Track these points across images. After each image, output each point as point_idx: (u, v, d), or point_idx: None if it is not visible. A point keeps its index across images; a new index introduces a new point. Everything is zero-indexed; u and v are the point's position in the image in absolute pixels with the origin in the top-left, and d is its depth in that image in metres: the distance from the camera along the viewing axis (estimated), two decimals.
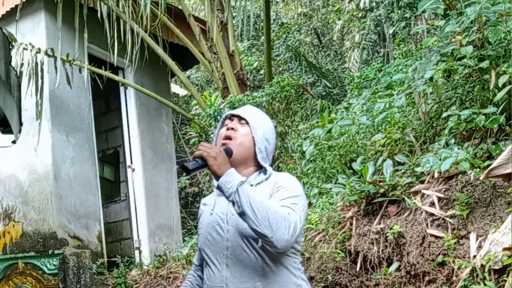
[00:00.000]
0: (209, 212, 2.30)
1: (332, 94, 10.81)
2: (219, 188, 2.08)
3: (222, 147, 2.24)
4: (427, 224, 3.36)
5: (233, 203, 2.07)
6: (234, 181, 2.07)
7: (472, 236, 3.13)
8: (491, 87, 3.53)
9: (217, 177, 2.10)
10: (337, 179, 4.32)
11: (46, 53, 5.74)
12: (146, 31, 6.09)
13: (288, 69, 11.47)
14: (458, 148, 3.45)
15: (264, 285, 2.16)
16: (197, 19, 7.29)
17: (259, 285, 2.17)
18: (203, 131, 7.09)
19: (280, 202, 2.13)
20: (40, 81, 5.60)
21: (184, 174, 1.96)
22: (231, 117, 2.35)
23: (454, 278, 3.08)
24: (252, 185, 2.23)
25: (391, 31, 11.15)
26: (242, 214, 2.06)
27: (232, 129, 2.29)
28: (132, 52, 5.83)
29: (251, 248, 2.18)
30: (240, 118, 2.32)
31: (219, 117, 6.05)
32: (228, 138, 2.26)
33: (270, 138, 2.37)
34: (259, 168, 2.31)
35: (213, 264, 2.25)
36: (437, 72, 3.80)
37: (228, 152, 2.22)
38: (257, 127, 2.31)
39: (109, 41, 5.67)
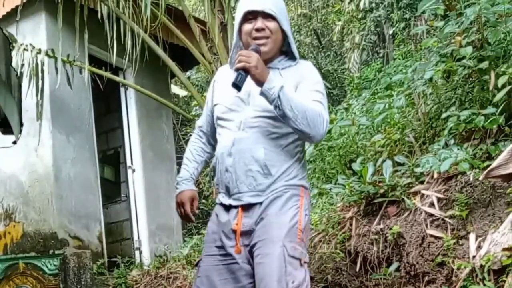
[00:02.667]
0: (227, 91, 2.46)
1: (332, 94, 10.83)
2: (262, 94, 2.29)
3: (253, 46, 2.38)
4: (426, 225, 3.36)
5: (275, 106, 2.28)
6: (275, 87, 2.27)
7: (472, 236, 3.14)
8: (491, 87, 3.54)
9: (259, 84, 2.29)
10: (337, 180, 4.33)
11: (46, 54, 5.75)
12: (146, 32, 6.09)
13: None
14: (458, 149, 3.46)
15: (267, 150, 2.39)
16: (197, 20, 7.29)
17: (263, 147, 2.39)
18: None
19: (310, 95, 2.37)
20: (40, 81, 5.61)
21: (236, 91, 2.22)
22: (253, 12, 2.41)
23: (453, 278, 3.09)
24: (278, 69, 2.45)
25: (390, 32, 11.17)
26: (283, 116, 2.29)
27: (263, 29, 2.39)
28: (132, 53, 5.84)
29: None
30: (264, 14, 2.39)
31: None
32: (264, 37, 2.39)
33: (288, 19, 2.51)
34: (282, 52, 2.48)
35: (228, 129, 2.47)
36: (437, 73, 3.81)
37: (259, 52, 2.36)
38: (282, 18, 2.42)
39: (109, 42, 5.67)
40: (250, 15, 2.42)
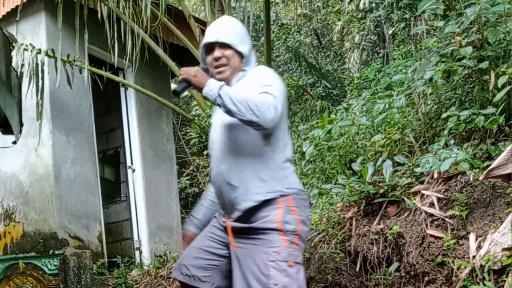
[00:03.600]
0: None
1: (332, 94, 10.82)
2: (205, 98, 2.48)
3: (202, 65, 2.66)
4: (426, 225, 3.36)
5: (219, 106, 2.43)
6: (214, 88, 2.43)
7: (472, 236, 3.14)
8: (491, 87, 3.53)
9: (201, 90, 2.47)
10: (337, 180, 4.33)
11: (46, 54, 5.75)
12: (146, 32, 6.10)
13: (288, 70, 11.47)
14: (458, 149, 3.46)
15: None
16: (197, 20, 7.30)
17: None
18: (203, 131, 7.10)
19: (257, 89, 2.48)
20: (40, 81, 5.61)
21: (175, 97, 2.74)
22: (210, 45, 2.66)
23: (453, 278, 3.09)
24: (233, 84, 2.63)
25: (390, 32, 11.16)
26: (229, 112, 2.41)
27: (220, 57, 2.63)
28: (132, 53, 5.84)
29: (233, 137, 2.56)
30: (220, 44, 2.63)
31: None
32: (222, 65, 2.63)
33: (247, 38, 2.75)
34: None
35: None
36: (437, 73, 3.81)
37: (206, 70, 2.64)
38: (237, 42, 2.65)
39: (109, 42, 5.68)
40: (209, 47, 2.67)
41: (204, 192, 2.97)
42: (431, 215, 3.39)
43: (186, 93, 2.61)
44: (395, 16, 10.47)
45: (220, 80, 2.54)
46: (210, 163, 2.71)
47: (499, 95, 3.42)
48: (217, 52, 2.63)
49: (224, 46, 2.63)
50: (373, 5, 11.29)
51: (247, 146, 2.52)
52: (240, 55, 2.65)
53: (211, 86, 2.44)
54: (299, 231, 2.46)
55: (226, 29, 2.69)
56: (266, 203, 2.46)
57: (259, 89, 2.48)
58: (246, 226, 2.47)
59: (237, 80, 2.66)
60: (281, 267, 2.37)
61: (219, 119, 2.65)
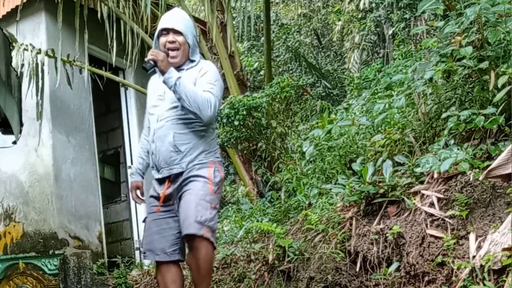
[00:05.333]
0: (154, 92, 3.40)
1: (332, 94, 10.82)
2: (164, 82, 3.15)
3: (164, 50, 3.23)
4: (426, 225, 3.36)
5: (173, 92, 3.13)
6: (173, 77, 3.12)
7: (472, 236, 3.14)
8: (491, 87, 3.53)
9: (163, 73, 3.15)
10: (337, 180, 4.33)
11: (46, 54, 5.75)
12: (146, 32, 6.10)
13: (288, 70, 11.47)
14: (458, 149, 3.46)
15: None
16: (197, 19, 7.30)
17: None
18: None
19: (203, 86, 3.19)
20: (40, 81, 5.61)
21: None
22: (166, 29, 3.27)
23: (453, 278, 3.08)
24: (184, 69, 3.27)
25: (390, 32, 11.16)
26: (179, 99, 3.14)
27: (174, 41, 3.25)
28: (132, 52, 5.85)
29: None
30: (175, 31, 3.26)
31: (219, 118, 6.06)
32: (175, 49, 3.25)
33: (194, 32, 3.40)
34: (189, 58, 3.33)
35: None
36: (437, 73, 3.81)
37: (167, 54, 3.21)
38: (188, 33, 3.29)
39: (109, 42, 5.68)
40: (165, 31, 3.29)
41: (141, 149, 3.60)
42: (431, 215, 3.39)
43: (151, 71, 3.28)
44: (395, 16, 10.47)
45: (172, 63, 3.21)
46: (151, 124, 3.34)
47: (499, 95, 3.41)
48: (171, 37, 3.25)
49: (178, 33, 3.25)
50: (373, 5, 11.29)
51: (194, 124, 3.24)
52: (188, 45, 3.28)
53: (171, 74, 3.13)
54: (221, 184, 3.30)
55: (181, 20, 3.32)
56: (203, 164, 3.25)
57: (205, 86, 3.20)
58: (183, 178, 3.22)
59: (187, 67, 3.30)
60: (206, 206, 3.15)
61: (166, 92, 3.25)
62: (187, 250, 3.29)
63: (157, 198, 3.34)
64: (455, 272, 3.08)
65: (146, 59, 3.18)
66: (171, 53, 3.26)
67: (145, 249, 3.34)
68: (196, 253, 3.10)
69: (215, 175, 3.26)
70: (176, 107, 3.23)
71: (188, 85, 3.15)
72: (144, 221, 3.49)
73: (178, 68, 3.26)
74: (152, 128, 3.33)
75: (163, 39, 3.28)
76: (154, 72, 3.29)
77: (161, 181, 3.33)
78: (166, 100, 3.28)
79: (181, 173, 3.23)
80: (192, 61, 3.34)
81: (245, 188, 6.74)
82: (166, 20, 3.32)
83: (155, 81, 3.42)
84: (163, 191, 3.29)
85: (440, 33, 4.09)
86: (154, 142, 3.29)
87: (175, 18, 3.32)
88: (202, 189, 3.17)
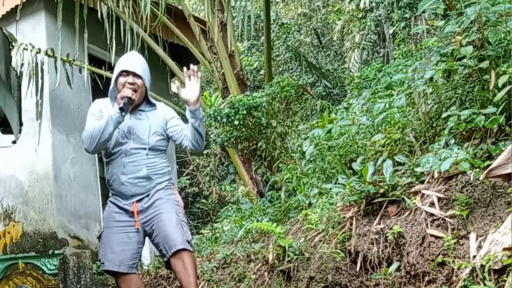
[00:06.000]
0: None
1: (332, 94, 10.82)
2: (193, 113, 3.44)
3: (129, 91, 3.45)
4: (427, 224, 3.36)
5: (198, 124, 3.47)
6: (200, 110, 3.50)
7: (472, 236, 3.13)
8: (491, 87, 3.53)
9: (125, 111, 3.40)
10: (337, 179, 4.32)
11: (46, 53, 5.75)
12: (146, 31, 6.10)
13: (288, 69, 11.47)
14: (458, 148, 3.45)
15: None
16: (197, 19, 7.30)
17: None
18: None
19: (183, 125, 3.57)
20: (40, 81, 5.61)
21: (123, 114, 3.48)
22: (127, 71, 3.48)
23: (454, 278, 3.08)
24: (145, 111, 3.58)
25: (391, 31, 11.16)
26: (196, 130, 3.48)
27: (133, 83, 3.47)
28: None
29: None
30: (134, 74, 3.48)
31: (219, 117, 6.06)
32: (133, 90, 3.46)
33: (150, 77, 3.62)
34: (146, 100, 3.60)
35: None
36: (437, 72, 3.80)
37: (131, 99, 3.47)
38: (145, 77, 3.54)
39: (109, 41, 5.67)
40: (125, 72, 3.49)
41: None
42: (432, 214, 3.38)
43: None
44: (396, 15, 10.47)
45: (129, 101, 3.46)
46: (113, 162, 3.55)
47: (499, 95, 3.41)
48: (131, 79, 3.48)
49: (137, 76, 3.49)
50: (373, 4, 11.29)
51: (161, 153, 3.61)
52: (145, 88, 3.53)
53: (201, 110, 3.50)
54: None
55: (141, 64, 3.57)
56: (168, 187, 3.58)
57: (181, 124, 3.61)
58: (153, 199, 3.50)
59: (149, 110, 3.60)
60: (182, 212, 3.52)
61: (134, 131, 3.53)
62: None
63: (121, 213, 3.53)
64: (456, 272, 3.07)
65: (120, 97, 3.41)
66: (130, 93, 3.49)
67: (104, 259, 3.49)
68: (186, 262, 3.36)
69: (179, 198, 3.63)
70: (143, 148, 3.52)
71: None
72: (99, 236, 3.69)
73: (137, 108, 3.57)
74: (121, 162, 3.51)
75: (122, 80, 3.49)
76: (123, 110, 3.42)
77: (124, 209, 3.54)
78: (132, 139, 3.52)
79: (147, 195, 3.51)
80: (152, 104, 3.64)
81: (245, 188, 6.73)
82: (127, 62, 3.55)
83: (109, 107, 3.56)
84: (133, 207, 3.49)
85: (441, 33, 4.08)
86: (125, 175, 3.49)
87: (135, 62, 3.56)
88: (177, 210, 3.49)
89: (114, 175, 3.54)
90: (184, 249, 3.33)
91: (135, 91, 3.47)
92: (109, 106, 3.55)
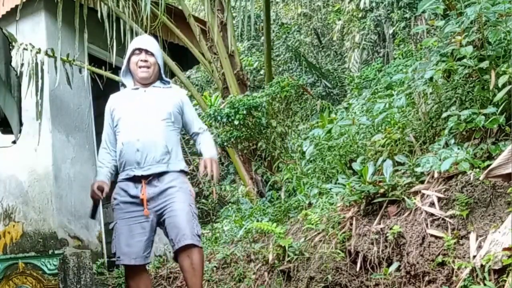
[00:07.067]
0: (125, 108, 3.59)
1: (332, 94, 10.82)
2: (212, 157, 3.54)
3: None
4: (427, 224, 3.36)
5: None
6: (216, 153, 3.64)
7: (472, 236, 3.13)
8: (491, 87, 3.53)
9: (148, 83, 3.58)
10: (337, 179, 4.32)
11: (46, 53, 5.75)
12: (146, 31, 6.08)
13: (288, 69, 11.48)
14: (458, 148, 3.45)
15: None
16: (197, 19, 7.30)
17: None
18: None
19: (198, 123, 3.64)
20: (40, 81, 5.60)
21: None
22: (140, 49, 3.54)
23: (454, 278, 3.08)
24: (160, 87, 3.60)
25: (391, 31, 11.16)
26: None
27: (146, 60, 3.53)
28: None
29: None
30: (147, 51, 3.54)
31: (219, 117, 6.06)
32: (146, 66, 3.52)
33: (162, 58, 3.68)
34: (159, 78, 3.64)
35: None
36: (437, 72, 3.80)
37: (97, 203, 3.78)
38: (158, 55, 3.59)
39: (109, 41, 5.67)
40: (137, 51, 3.55)
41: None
42: (432, 214, 3.38)
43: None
44: (396, 15, 10.47)
45: (142, 78, 3.54)
46: (127, 133, 3.48)
47: (499, 95, 3.41)
48: (143, 56, 3.53)
49: (150, 54, 3.54)
50: (373, 4, 11.29)
51: (178, 129, 3.59)
52: (158, 66, 3.57)
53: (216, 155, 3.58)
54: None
55: (153, 43, 3.62)
56: (182, 174, 3.52)
57: (199, 121, 3.67)
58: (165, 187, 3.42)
59: (163, 87, 3.61)
60: (194, 203, 3.44)
61: (149, 103, 3.51)
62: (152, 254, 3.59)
63: (133, 203, 3.47)
64: (456, 272, 3.07)
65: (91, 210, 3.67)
66: (142, 69, 3.54)
67: (120, 253, 3.44)
68: (194, 261, 3.30)
69: (191, 187, 3.58)
70: (164, 119, 3.49)
71: (212, 146, 3.63)
72: (112, 228, 3.56)
73: (151, 84, 3.59)
74: (137, 131, 3.46)
75: (135, 58, 3.54)
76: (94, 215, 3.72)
77: (136, 181, 3.49)
78: (151, 112, 3.50)
79: (158, 176, 3.43)
80: (167, 82, 3.67)
81: (245, 188, 6.73)
82: (140, 41, 3.62)
83: (120, 99, 3.64)
84: (142, 194, 3.43)
85: (441, 33, 4.09)
86: (139, 141, 3.43)
87: (148, 41, 3.63)
88: (190, 200, 3.42)
89: (128, 143, 3.47)
90: (193, 245, 3.28)
91: (148, 67, 3.52)
92: (124, 100, 3.58)
